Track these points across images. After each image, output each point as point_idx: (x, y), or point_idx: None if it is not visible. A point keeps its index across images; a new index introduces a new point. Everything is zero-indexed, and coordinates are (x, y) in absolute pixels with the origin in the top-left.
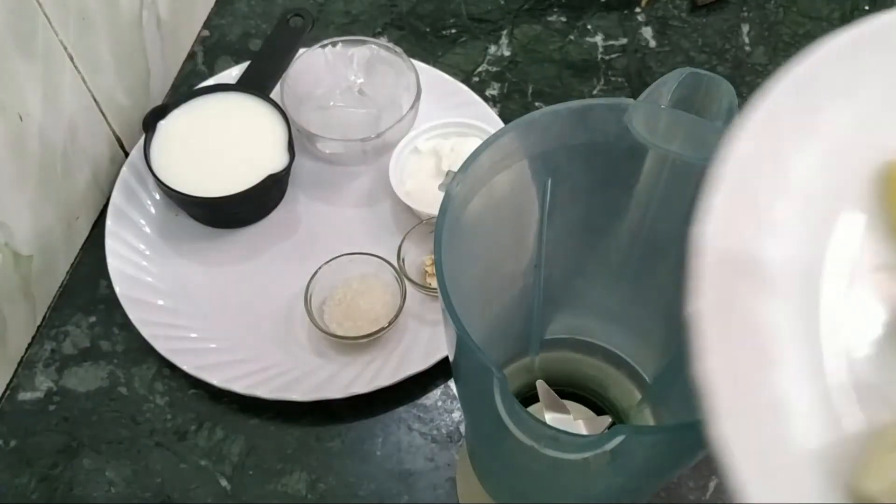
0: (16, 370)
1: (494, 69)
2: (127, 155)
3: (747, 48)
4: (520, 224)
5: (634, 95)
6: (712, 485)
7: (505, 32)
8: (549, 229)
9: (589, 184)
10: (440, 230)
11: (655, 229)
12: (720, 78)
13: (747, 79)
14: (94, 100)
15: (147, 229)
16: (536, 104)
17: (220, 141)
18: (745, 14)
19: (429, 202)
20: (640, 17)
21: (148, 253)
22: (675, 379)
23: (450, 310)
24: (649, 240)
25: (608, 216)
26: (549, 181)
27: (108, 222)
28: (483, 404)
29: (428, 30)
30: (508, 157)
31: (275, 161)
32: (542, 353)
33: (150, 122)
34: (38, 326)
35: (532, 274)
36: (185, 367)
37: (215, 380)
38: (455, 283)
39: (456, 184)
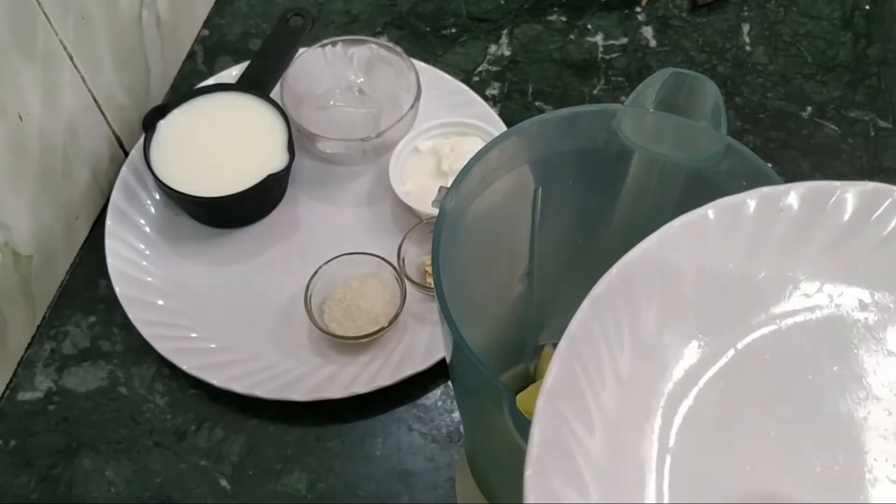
0: (15, 370)
1: (495, 69)
2: (127, 154)
3: (748, 48)
4: (512, 233)
5: None
6: None
7: (505, 32)
8: (540, 237)
9: (579, 190)
10: (437, 246)
11: (646, 230)
12: (704, 77)
13: (748, 78)
14: (94, 99)
15: (147, 229)
16: (537, 104)
17: (220, 140)
18: (746, 13)
19: (429, 202)
20: (640, 17)
21: (148, 253)
22: None
23: (450, 324)
24: (639, 241)
25: (599, 221)
26: (540, 190)
27: (108, 222)
28: (486, 416)
29: (428, 29)
30: (499, 168)
31: (275, 161)
32: (537, 359)
33: (150, 121)
34: (38, 326)
35: (525, 282)
36: (184, 367)
37: (215, 380)
38: (452, 292)
39: (449, 199)
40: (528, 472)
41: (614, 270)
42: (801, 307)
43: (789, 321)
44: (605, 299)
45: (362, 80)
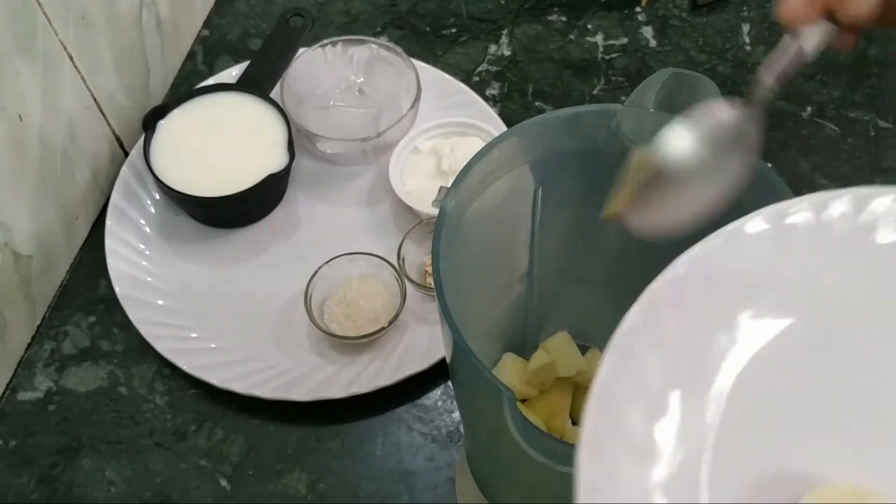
0: (15, 370)
1: (495, 69)
2: (127, 154)
3: (748, 48)
4: (512, 233)
5: None
6: None
7: (505, 32)
8: (540, 237)
9: (579, 190)
10: (437, 246)
11: None
12: (704, 77)
13: (748, 78)
14: (94, 99)
15: (147, 229)
16: (537, 104)
17: (220, 141)
18: (746, 13)
19: (429, 202)
20: (640, 17)
21: (148, 253)
22: None
23: (450, 324)
24: (640, 241)
25: (598, 221)
26: (540, 190)
27: (108, 222)
28: (486, 416)
29: (428, 29)
30: (500, 168)
31: (275, 161)
32: None
33: (150, 121)
34: (38, 326)
35: (525, 282)
36: (184, 367)
37: (215, 380)
38: (452, 291)
39: (449, 200)
40: None
41: (635, 308)
42: None
43: None
44: (629, 337)
45: (362, 80)
